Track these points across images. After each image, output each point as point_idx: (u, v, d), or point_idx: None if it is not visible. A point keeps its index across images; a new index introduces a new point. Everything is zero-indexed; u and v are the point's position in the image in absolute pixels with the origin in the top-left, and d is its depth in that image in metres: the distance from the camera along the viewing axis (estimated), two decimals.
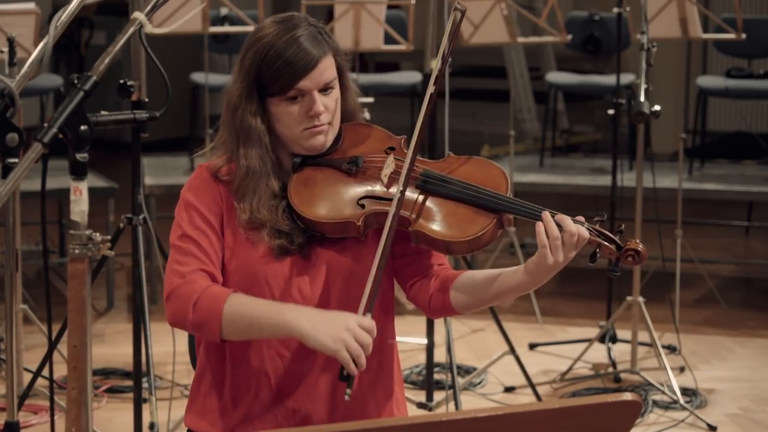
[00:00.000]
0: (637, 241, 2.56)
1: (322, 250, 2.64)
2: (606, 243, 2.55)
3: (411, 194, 2.60)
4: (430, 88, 2.63)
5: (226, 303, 2.52)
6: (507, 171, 2.65)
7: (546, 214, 2.53)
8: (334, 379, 2.62)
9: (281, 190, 2.64)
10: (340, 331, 2.44)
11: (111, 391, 5.09)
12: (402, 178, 2.56)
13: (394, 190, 2.58)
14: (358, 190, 2.63)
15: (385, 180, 2.63)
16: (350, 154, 2.67)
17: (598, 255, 2.55)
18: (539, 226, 2.52)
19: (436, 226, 2.57)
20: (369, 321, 2.47)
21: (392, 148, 2.69)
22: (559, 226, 2.52)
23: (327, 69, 2.61)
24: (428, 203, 2.60)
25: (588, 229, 2.54)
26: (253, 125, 2.62)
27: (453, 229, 2.56)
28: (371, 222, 2.60)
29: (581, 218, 2.56)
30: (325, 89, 2.62)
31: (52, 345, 3.17)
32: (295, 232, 2.61)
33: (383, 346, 2.70)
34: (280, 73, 2.58)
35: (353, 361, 2.43)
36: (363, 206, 2.59)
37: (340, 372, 2.46)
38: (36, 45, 4.63)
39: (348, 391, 2.44)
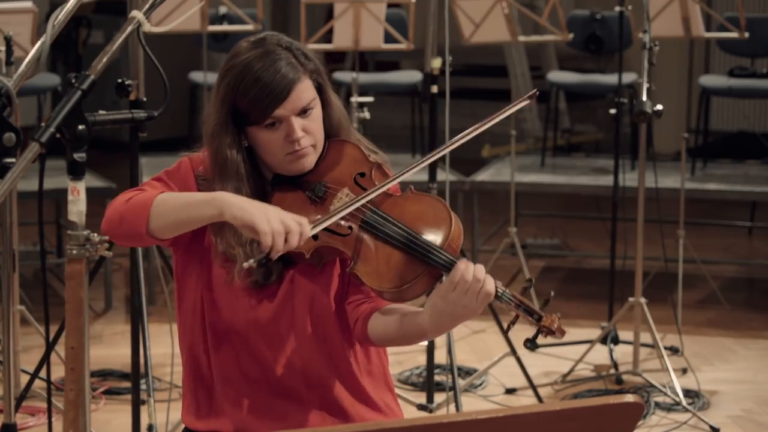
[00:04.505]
0: (555, 317, 2.49)
1: (293, 272, 2.65)
2: (524, 313, 2.48)
3: (358, 232, 2.57)
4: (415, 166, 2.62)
5: (162, 194, 2.52)
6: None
7: (464, 260, 2.48)
8: (315, 384, 2.66)
9: None
10: (266, 207, 2.43)
11: (109, 392, 5.07)
12: (335, 216, 2.53)
13: (344, 223, 2.57)
14: (314, 219, 2.59)
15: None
16: (323, 177, 2.65)
17: (512, 326, 2.52)
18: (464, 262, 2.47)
19: (369, 273, 2.53)
20: (305, 220, 2.44)
21: (362, 174, 2.66)
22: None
23: (302, 93, 2.59)
24: (368, 244, 2.56)
25: (509, 297, 2.48)
26: (228, 157, 2.61)
27: (383, 278, 2.52)
28: (324, 254, 2.59)
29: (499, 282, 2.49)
30: (303, 112, 2.60)
31: (50, 346, 3.14)
32: (272, 265, 2.58)
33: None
34: (254, 103, 2.57)
35: (271, 235, 2.39)
36: (316, 238, 2.57)
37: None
38: (33, 44, 4.60)
39: (251, 261, 2.41)
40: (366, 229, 2.57)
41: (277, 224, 2.40)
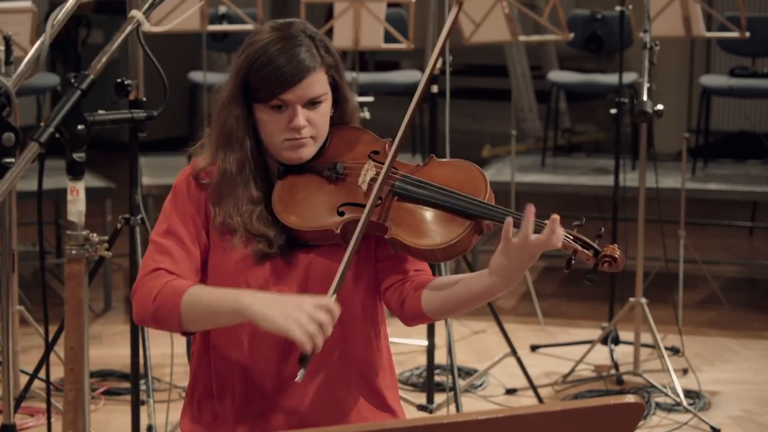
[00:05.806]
0: (615, 246, 2.51)
1: (304, 255, 2.62)
2: (582, 249, 2.50)
3: (388, 201, 2.58)
4: (420, 92, 2.63)
5: (186, 292, 2.50)
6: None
7: (529, 207, 2.47)
8: (323, 381, 2.63)
9: (263, 196, 2.62)
10: (292, 310, 2.40)
11: (108, 393, 5.05)
12: (377, 185, 2.55)
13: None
14: (338, 197, 2.61)
15: (364, 187, 2.61)
16: (333, 160, 2.65)
17: (573, 261, 2.51)
18: (509, 223, 2.46)
19: (411, 234, 2.54)
20: (329, 301, 2.43)
21: (376, 152, 2.67)
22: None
23: (314, 84, 2.58)
24: (405, 210, 2.58)
25: (564, 234, 2.49)
26: (234, 128, 2.61)
27: (428, 237, 2.54)
28: (351, 229, 2.57)
29: (556, 216, 2.47)
30: (311, 104, 2.60)
31: (49, 347, 3.12)
32: (274, 236, 2.59)
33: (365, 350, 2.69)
34: (265, 82, 2.56)
35: (310, 340, 2.38)
36: (342, 214, 2.59)
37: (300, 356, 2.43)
38: (33, 43, 4.60)
39: (301, 372, 2.40)
40: (399, 194, 2.58)
41: (311, 325, 2.38)
